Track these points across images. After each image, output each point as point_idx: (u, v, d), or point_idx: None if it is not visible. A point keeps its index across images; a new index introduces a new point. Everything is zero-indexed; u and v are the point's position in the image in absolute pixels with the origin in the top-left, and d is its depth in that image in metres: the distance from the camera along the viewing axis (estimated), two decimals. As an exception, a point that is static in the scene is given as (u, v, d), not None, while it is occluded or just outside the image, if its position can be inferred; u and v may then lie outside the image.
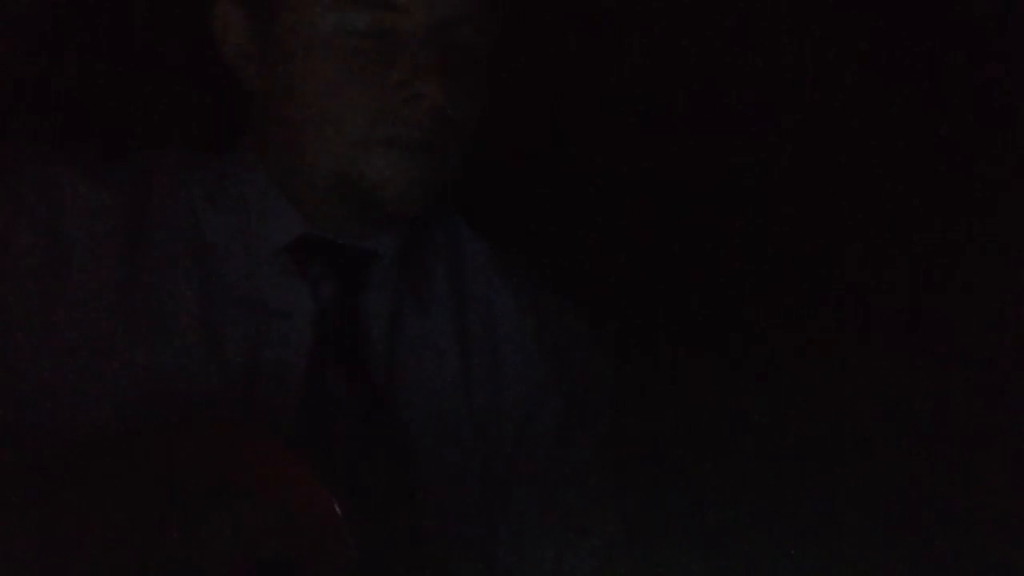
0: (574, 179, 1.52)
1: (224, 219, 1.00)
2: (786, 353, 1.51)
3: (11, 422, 0.92)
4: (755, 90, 1.55)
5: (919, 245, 1.54)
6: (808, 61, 1.54)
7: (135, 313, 0.94)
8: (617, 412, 1.10)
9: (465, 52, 0.96)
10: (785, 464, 1.47)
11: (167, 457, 0.83)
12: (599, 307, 1.15)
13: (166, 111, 1.33)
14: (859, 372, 1.51)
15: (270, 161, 1.00)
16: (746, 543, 1.43)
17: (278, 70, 0.96)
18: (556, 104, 1.50)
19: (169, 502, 0.81)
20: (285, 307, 0.98)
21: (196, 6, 1.01)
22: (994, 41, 1.50)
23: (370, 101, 0.94)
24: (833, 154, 1.55)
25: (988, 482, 1.45)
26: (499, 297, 1.08)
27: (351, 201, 0.97)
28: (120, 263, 0.96)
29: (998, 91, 1.50)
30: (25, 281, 0.93)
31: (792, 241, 1.55)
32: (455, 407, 1.02)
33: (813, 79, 1.54)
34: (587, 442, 1.08)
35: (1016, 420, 1.46)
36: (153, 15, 1.36)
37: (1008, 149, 1.50)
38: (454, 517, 1.00)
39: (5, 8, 1.32)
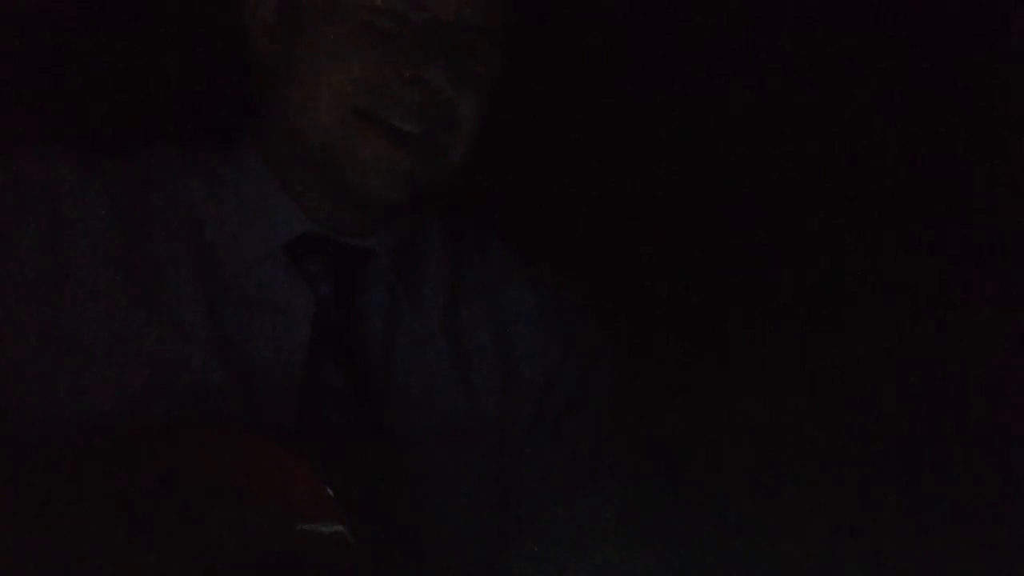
0: (573, 179, 1.52)
1: (223, 216, 1.00)
2: (785, 353, 1.52)
3: (14, 415, 0.92)
4: (756, 88, 1.55)
5: (919, 245, 1.54)
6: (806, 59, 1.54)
7: (137, 306, 0.95)
8: (616, 412, 1.12)
9: (475, 59, 0.97)
10: (783, 463, 1.47)
11: (167, 459, 0.83)
12: (598, 306, 1.16)
13: (166, 109, 1.33)
14: (859, 372, 1.52)
15: (270, 154, 1.00)
16: (744, 540, 1.43)
17: (292, 39, 0.98)
18: (556, 104, 1.50)
19: (169, 504, 0.81)
20: (284, 304, 0.98)
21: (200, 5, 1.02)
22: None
23: (371, 76, 0.95)
24: (834, 152, 1.55)
25: (987, 482, 1.45)
26: (504, 284, 1.10)
27: (337, 185, 0.97)
28: (121, 256, 0.96)
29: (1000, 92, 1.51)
30: (28, 274, 0.94)
31: (792, 240, 1.56)
32: (451, 401, 1.03)
33: (812, 78, 1.54)
34: (597, 405, 1.11)
35: (1016, 420, 1.46)
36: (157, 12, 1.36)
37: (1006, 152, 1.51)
38: (457, 507, 1.01)
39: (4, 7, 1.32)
